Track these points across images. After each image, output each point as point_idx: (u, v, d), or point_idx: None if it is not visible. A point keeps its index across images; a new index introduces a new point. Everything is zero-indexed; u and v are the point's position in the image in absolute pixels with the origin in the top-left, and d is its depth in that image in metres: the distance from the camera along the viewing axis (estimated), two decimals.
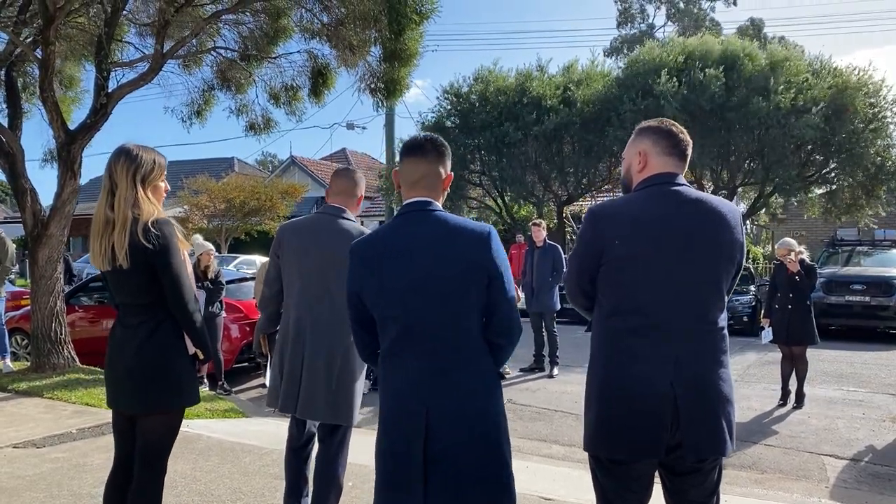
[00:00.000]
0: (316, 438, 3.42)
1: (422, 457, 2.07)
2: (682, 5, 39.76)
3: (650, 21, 40.97)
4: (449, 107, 17.86)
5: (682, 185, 2.30)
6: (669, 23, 40.49)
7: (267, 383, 3.60)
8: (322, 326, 3.22)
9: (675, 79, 14.20)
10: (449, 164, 2.33)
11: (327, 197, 3.46)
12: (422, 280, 2.12)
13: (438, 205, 2.25)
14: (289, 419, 3.47)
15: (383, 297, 2.18)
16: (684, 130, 2.38)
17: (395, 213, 2.32)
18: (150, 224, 2.65)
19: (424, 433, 2.07)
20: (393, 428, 2.15)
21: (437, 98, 18.31)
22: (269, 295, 3.47)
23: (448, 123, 17.63)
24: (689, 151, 2.38)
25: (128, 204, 2.66)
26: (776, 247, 7.40)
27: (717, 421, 2.18)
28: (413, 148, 2.30)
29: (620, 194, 2.55)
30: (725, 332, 2.28)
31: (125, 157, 2.72)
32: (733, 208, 2.31)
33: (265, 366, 3.57)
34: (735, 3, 39.54)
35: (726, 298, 2.29)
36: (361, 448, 3.96)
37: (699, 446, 2.18)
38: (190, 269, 2.89)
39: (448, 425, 2.08)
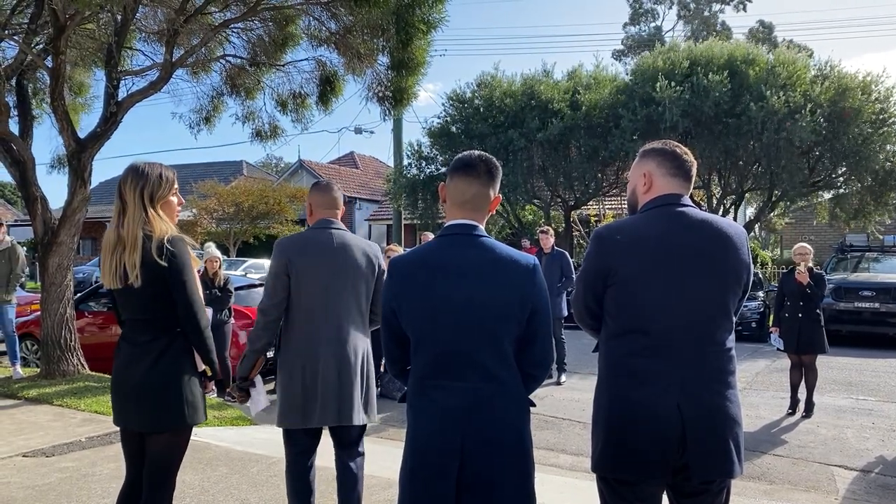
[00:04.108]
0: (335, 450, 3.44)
1: (455, 482, 2.06)
2: (692, 6, 39.60)
3: (659, 23, 40.87)
4: (454, 112, 17.86)
5: (688, 205, 2.31)
6: (680, 25, 40.41)
7: (263, 403, 3.52)
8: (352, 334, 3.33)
9: (676, 85, 14.16)
10: (498, 185, 2.30)
11: (318, 211, 3.43)
12: (464, 305, 2.11)
13: (483, 228, 2.24)
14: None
15: (422, 318, 2.16)
16: (688, 151, 2.39)
17: (440, 232, 2.30)
18: (164, 242, 2.66)
19: (460, 459, 2.06)
20: (426, 451, 2.12)
21: (444, 104, 18.35)
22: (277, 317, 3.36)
23: (454, 129, 17.62)
24: (694, 172, 2.39)
25: (137, 224, 2.67)
26: (793, 249, 7.35)
27: (724, 443, 2.18)
28: (465, 166, 2.25)
29: (627, 197, 2.56)
30: (733, 352, 2.27)
31: (132, 176, 2.72)
32: (739, 229, 2.31)
33: (251, 389, 3.49)
34: (745, 9, 39.37)
35: (734, 319, 2.29)
36: (368, 458, 3.97)
37: (706, 468, 2.17)
38: (198, 281, 2.91)
39: (484, 452, 2.07)
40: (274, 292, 3.27)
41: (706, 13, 39.36)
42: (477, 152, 2.29)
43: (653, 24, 40.49)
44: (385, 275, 3.08)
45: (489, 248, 2.18)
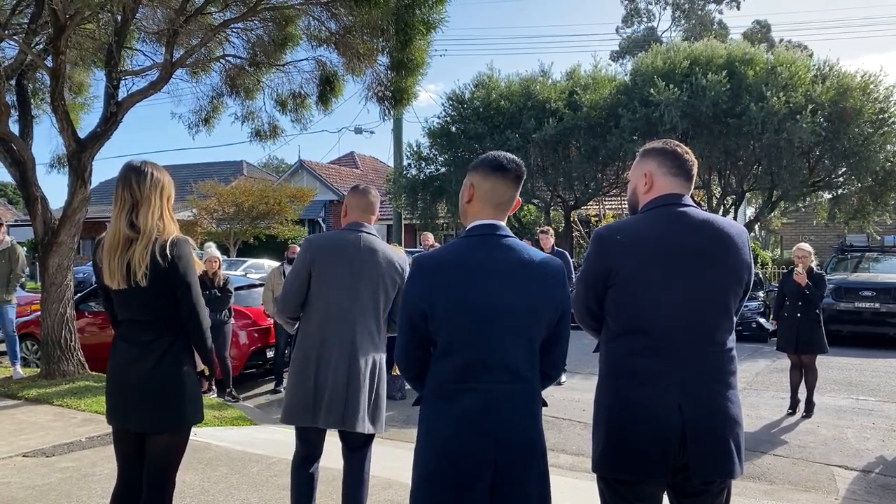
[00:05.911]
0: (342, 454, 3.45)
1: (488, 488, 2.03)
2: (686, 5, 39.59)
3: (655, 24, 40.83)
4: (454, 113, 17.86)
5: (689, 205, 2.30)
6: (674, 25, 40.36)
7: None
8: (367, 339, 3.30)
9: (674, 86, 14.16)
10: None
11: (352, 213, 3.42)
12: (500, 308, 2.09)
13: (508, 229, 2.22)
14: (294, 428, 3.41)
15: (456, 320, 2.10)
16: (689, 151, 2.38)
17: (465, 232, 2.25)
18: (170, 242, 2.65)
19: (493, 465, 2.03)
20: (455, 456, 2.05)
21: (443, 104, 18.36)
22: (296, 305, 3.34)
23: (453, 129, 17.62)
24: (695, 171, 2.38)
25: (154, 220, 2.65)
26: (793, 250, 7.38)
27: (724, 443, 2.18)
28: (503, 168, 2.21)
29: (628, 197, 2.55)
30: (734, 353, 2.27)
31: (150, 176, 2.70)
32: (741, 229, 2.31)
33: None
34: (738, 7, 39.42)
35: (734, 320, 2.28)
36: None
37: (706, 468, 2.17)
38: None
39: (513, 456, 2.06)
40: (292, 287, 3.27)
41: (700, 13, 39.37)
42: (509, 155, 2.26)
43: (647, 25, 40.46)
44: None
45: (519, 249, 2.17)
